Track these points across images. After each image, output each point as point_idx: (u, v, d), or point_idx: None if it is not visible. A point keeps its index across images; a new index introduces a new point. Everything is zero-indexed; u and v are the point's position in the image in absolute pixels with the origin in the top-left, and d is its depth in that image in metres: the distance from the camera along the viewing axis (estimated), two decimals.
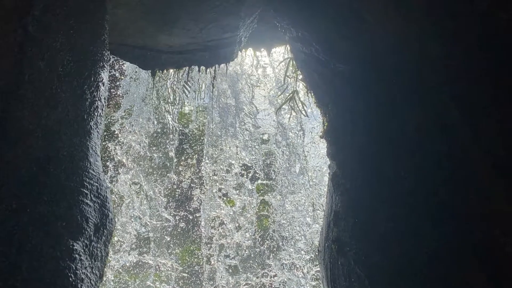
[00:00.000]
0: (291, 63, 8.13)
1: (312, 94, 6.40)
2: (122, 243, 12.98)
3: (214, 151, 12.98)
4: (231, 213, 13.27)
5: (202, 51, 7.76)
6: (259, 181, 13.50)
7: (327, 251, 5.55)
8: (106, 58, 5.64)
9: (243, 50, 8.54)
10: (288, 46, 7.36)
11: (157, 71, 8.38)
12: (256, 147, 12.72)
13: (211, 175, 13.31)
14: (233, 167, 13.03)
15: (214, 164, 13.12)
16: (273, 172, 13.45)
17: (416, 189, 4.78)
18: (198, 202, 14.67)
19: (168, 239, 14.28)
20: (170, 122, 12.56)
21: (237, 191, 13.31)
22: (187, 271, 14.71)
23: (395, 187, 4.93)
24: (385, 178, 5.04)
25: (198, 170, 14.93)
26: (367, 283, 4.92)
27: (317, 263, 7.17)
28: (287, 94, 8.40)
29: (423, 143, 4.81)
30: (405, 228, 4.76)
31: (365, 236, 5.07)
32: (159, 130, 12.91)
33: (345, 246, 5.22)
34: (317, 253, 6.20)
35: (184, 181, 15.06)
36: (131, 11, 6.85)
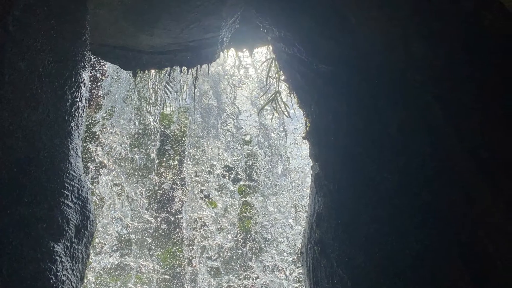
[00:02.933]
0: (273, 63, 8.10)
1: (295, 94, 6.39)
2: (103, 244, 12.94)
3: (196, 152, 12.95)
4: (213, 214, 13.25)
5: (184, 51, 7.72)
6: (241, 183, 13.49)
7: (310, 253, 5.53)
8: (87, 59, 5.61)
9: (225, 50, 8.51)
10: (270, 46, 7.35)
11: (139, 72, 8.32)
12: (238, 148, 12.71)
13: (193, 176, 13.28)
14: (215, 168, 13.02)
15: (196, 165, 13.09)
16: (255, 174, 13.45)
17: (400, 190, 4.77)
18: (180, 204, 14.65)
19: (150, 240, 14.26)
20: (152, 123, 12.53)
21: (219, 193, 13.30)
22: (168, 273, 14.68)
23: (378, 188, 4.92)
24: (369, 179, 5.03)
25: (179, 171, 14.91)
26: (349, 285, 4.90)
27: (300, 265, 7.15)
28: (270, 95, 8.39)
29: (407, 144, 4.81)
30: (389, 229, 4.75)
31: (348, 238, 5.05)
32: (140, 131, 12.88)
33: (327, 248, 5.20)
34: (299, 255, 6.19)
35: (166, 182, 15.03)
36: (112, 11, 6.81)
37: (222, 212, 13.33)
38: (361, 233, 4.94)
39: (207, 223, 13.32)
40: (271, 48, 7.37)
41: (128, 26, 7.14)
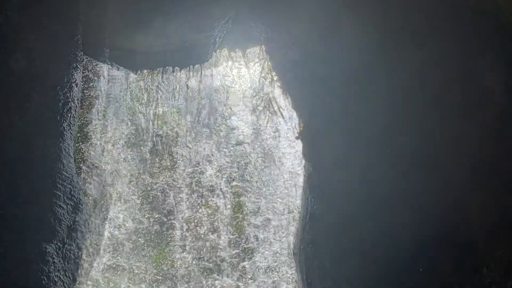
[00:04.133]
0: (266, 63, 8.08)
1: (288, 95, 6.37)
2: (95, 245, 12.90)
3: (189, 153, 12.92)
4: (206, 215, 13.23)
5: (177, 51, 7.71)
6: (234, 183, 13.46)
7: (303, 254, 5.52)
8: (79, 59, 5.60)
9: (218, 50, 8.49)
10: (263, 47, 7.32)
11: (132, 72, 8.31)
12: (231, 148, 12.69)
13: (185, 176, 13.26)
14: (207, 169, 13.00)
15: (189, 166, 13.07)
16: (248, 174, 13.43)
17: (395, 191, 4.76)
18: (173, 204, 14.61)
19: (142, 241, 14.22)
20: (144, 123, 12.50)
21: (212, 193, 13.27)
22: (161, 273, 14.64)
23: (372, 189, 4.91)
24: (362, 180, 5.02)
25: (172, 171, 14.87)
26: (343, 286, 4.90)
27: (293, 265, 7.14)
28: (262, 95, 8.36)
29: (402, 145, 4.80)
30: (384, 230, 4.74)
31: (342, 239, 5.05)
32: (133, 132, 12.84)
33: (321, 249, 5.20)
34: (292, 256, 6.18)
35: (158, 183, 15.00)
36: (105, 12, 6.79)
37: (215, 212, 13.31)
38: (355, 234, 4.93)
39: (199, 224, 13.31)
40: (264, 49, 7.35)
41: (122, 26, 7.13)
